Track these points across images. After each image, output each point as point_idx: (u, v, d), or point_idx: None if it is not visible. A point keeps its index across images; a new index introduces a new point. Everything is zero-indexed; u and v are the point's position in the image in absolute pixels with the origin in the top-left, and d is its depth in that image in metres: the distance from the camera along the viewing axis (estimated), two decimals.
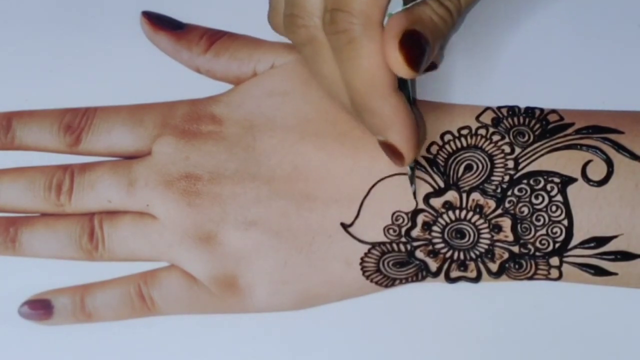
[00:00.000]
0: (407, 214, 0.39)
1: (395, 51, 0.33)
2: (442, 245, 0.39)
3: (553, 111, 0.40)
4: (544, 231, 0.38)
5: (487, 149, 0.39)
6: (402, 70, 0.33)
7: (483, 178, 0.39)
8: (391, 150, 0.36)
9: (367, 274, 0.39)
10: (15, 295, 0.41)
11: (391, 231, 0.39)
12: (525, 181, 0.38)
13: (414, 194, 0.39)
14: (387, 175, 0.39)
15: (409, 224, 0.39)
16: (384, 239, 0.39)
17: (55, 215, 0.42)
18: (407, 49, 0.33)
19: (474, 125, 0.39)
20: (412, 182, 0.39)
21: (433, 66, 0.41)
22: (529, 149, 0.39)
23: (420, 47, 0.33)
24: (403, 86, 0.35)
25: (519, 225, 0.38)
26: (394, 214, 0.39)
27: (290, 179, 0.40)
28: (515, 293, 0.40)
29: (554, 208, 0.38)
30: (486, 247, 0.39)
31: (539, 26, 0.43)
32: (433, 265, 0.39)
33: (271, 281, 0.40)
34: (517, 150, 0.39)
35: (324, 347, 0.41)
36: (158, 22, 0.43)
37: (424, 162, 0.39)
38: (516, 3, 0.43)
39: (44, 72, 0.44)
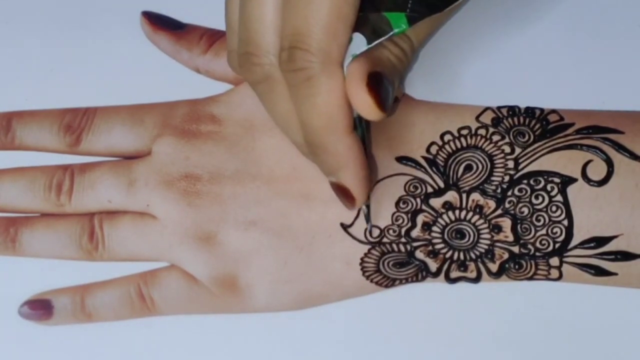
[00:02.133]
0: (407, 214, 0.39)
1: (364, 94, 0.32)
2: (442, 245, 0.39)
3: (553, 111, 0.40)
4: (544, 231, 0.38)
5: (487, 149, 0.39)
6: (372, 112, 0.32)
7: (483, 178, 0.39)
8: (342, 192, 0.36)
9: (367, 274, 0.39)
10: (15, 295, 0.41)
11: (391, 231, 0.39)
12: (525, 181, 0.38)
13: (370, 231, 0.39)
14: (387, 175, 0.39)
15: (409, 224, 0.39)
16: (384, 239, 0.39)
17: (55, 215, 0.42)
18: (375, 91, 0.32)
19: (474, 125, 0.39)
20: (367, 220, 0.39)
21: (396, 100, 0.40)
22: (529, 149, 0.39)
23: (385, 88, 0.33)
24: (357, 127, 0.35)
25: (519, 226, 0.38)
26: (393, 214, 0.39)
27: (290, 179, 0.40)
28: (515, 293, 0.40)
29: (554, 208, 0.38)
30: (486, 247, 0.39)
31: (539, 26, 0.43)
32: (433, 265, 0.39)
33: (271, 281, 0.40)
34: (517, 150, 0.39)
35: (324, 347, 0.41)
36: (158, 22, 0.43)
37: (423, 163, 0.39)
38: (516, 3, 0.43)
39: (44, 72, 0.44)
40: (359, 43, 0.33)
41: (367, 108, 0.32)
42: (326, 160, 0.35)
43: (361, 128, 0.35)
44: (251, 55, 0.34)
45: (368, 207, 0.38)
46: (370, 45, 0.33)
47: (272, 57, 0.34)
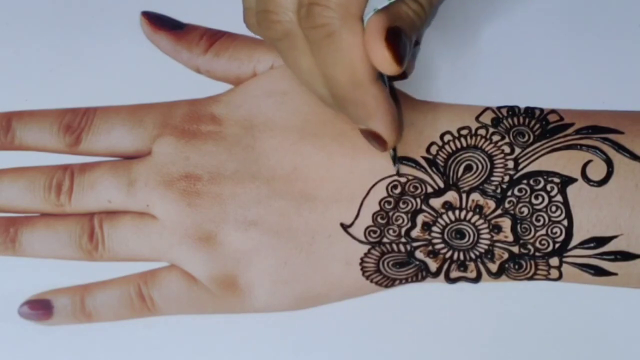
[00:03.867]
0: (407, 214, 0.39)
1: (383, 49, 0.33)
2: (442, 245, 0.39)
3: (553, 111, 0.40)
4: (543, 231, 0.38)
5: (487, 149, 0.39)
6: (390, 66, 0.33)
7: (483, 178, 0.39)
8: (374, 137, 0.36)
9: (366, 274, 0.39)
10: (15, 295, 0.41)
11: (391, 231, 0.39)
12: (525, 181, 0.38)
13: (397, 172, 0.39)
14: (387, 175, 0.39)
15: (409, 224, 0.39)
16: (384, 239, 0.39)
17: (55, 216, 0.42)
18: (394, 46, 0.33)
19: (474, 125, 0.39)
20: (394, 161, 0.39)
21: (404, 76, 0.41)
22: (529, 149, 0.39)
23: (403, 43, 0.33)
24: (380, 75, 0.35)
25: (518, 226, 0.38)
26: (394, 214, 0.39)
27: (290, 179, 0.40)
28: (515, 293, 0.40)
29: (553, 208, 0.38)
30: (486, 247, 0.39)
31: (539, 26, 0.43)
32: (433, 265, 0.39)
33: (271, 281, 0.40)
34: (517, 150, 0.39)
35: (324, 347, 0.41)
36: (158, 22, 0.43)
37: (423, 163, 0.39)
38: (516, 3, 0.43)
39: (44, 72, 0.44)
40: None
41: (384, 62, 0.33)
42: (355, 111, 0.36)
43: (383, 77, 0.36)
44: (270, 12, 0.35)
45: (394, 149, 0.39)
46: (391, 1, 0.33)
47: (291, 13, 0.35)
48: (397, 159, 0.39)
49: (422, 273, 0.39)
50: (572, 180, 0.38)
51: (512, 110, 0.40)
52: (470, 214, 0.39)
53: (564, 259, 0.38)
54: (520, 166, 0.38)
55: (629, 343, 0.40)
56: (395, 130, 0.36)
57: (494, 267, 0.39)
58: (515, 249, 0.38)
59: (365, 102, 0.35)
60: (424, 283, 0.40)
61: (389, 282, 0.40)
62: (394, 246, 0.39)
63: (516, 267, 0.39)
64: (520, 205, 0.38)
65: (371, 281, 0.40)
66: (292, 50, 0.36)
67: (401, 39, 0.33)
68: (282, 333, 0.41)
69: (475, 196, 0.39)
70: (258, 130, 0.40)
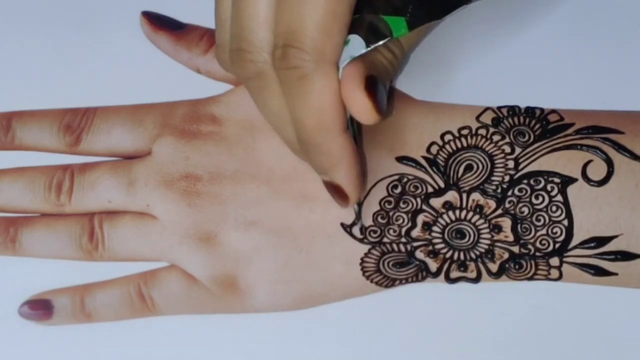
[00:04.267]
0: (407, 214, 0.39)
1: (363, 97, 0.32)
2: (442, 245, 0.39)
3: (553, 111, 0.40)
4: (544, 231, 0.38)
5: (487, 149, 0.39)
6: (370, 115, 0.32)
7: (483, 178, 0.39)
8: (336, 191, 0.36)
9: (367, 274, 0.39)
10: (15, 295, 0.41)
11: (391, 231, 0.39)
12: (525, 181, 0.38)
13: (361, 230, 0.39)
14: (387, 175, 0.39)
15: (409, 224, 0.39)
16: (384, 239, 0.39)
17: (55, 215, 0.42)
18: (372, 95, 0.32)
19: (474, 125, 0.39)
20: (357, 218, 0.39)
21: (388, 114, 0.40)
22: (529, 149, 0.39)
23: (380, 92, 0.33)
24: (349, 126, 0.35)
25: (519, 226, 0.38)
26: (394, 214, 0.39)
27: (290, 179, 0.40)
28: (515, 293, 0.40)
29: (554, 208, 0.38)
30: (486, 247, 0.39)
31: (539, 26, 0.43)
32: (433, 265, 0.39)
33: (271, 281, 0.40)
34: (518, 150, 0.39)
35: (324, 347, 0.41)
36: (158, 22, 0.43)
37: (424, 162, 0.39)
38: (516, 3, 0.43)
39: (44, 72, 0.44)
40: (357, 45, 0.33)
41: (364, 111, 0.32)
42: (319, 159, 0.35)
43: (352, 128, 0.35)
44: (243, 51, 0.34)
45: (359, 205, 0.38)
46: (369, 48, 0.33)
47: (265, 54, 0.34)
48: (360, 212, 0.38)
49: (422, 273, 0.39)
50: (572, 180, 0.38)
51: (513, 110, 0.40)
52: (471, 213, 0.39)
53: (564, 259, 0.38)
54: (521, 166, 0.38)
55: (629, 343, 0.40)
56: (358, 185, 0.36)
57: (494, 267, 0.39)
58: (516, 249, 0.39)
59: (330, 150, 0.34)
60: (424, 283, 0.40)
61: (389, 282, 0.40)
62: (394, 246, 0.39)
63: (516, 267, 0.39)
64: (520, 205, 0.38)
65: (371, 281, 0.40)
66: (262, 90, 0.35)
67: (378, 88, 0.33)
68: (282, 333, 0.41)
69: (476, 196, 0.39)
70: (258, 131, 0.40)
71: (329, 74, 0.32)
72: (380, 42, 0.33)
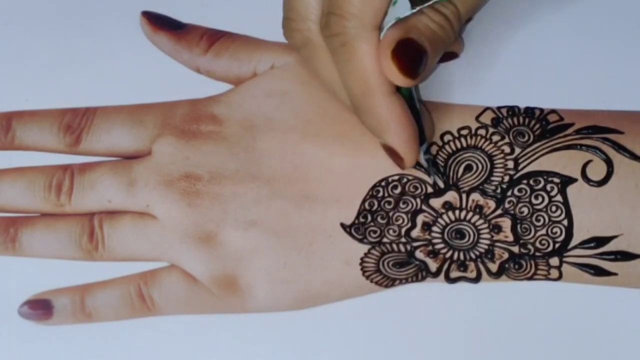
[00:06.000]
0: (407, 214, 0.39)
1: (388, 61, 0.33)
2: (442, 245, 0.39)
3: (553, 111, 0.40)
4: (543, 231, 0.38)
5: (487, 149, 0.39)
6: (398, 78, 0.33)
7: (483, 178, 0.39)
8: (390, 152, 0.37)
9: (367, 274, 0.39)
10: (15, 295, 0.41)
11: (391, 231, 0.39)
12: (525, 181, 0.38)
13: (434, 184, 0.39)
14: (387, 175, 0.39)
15: (409, 225, 0.39)
16: (384, 239, 0.39)
17: (55, 215, 0.42)
18: (401, 58, 0.33)
19: (474, 125, 0.39)
20: (429, 173, 0.39)
21: (454, 55, 0.41)
22: (529, 149, 0.39)
23: (415, 55, 0.33)
24: (405, 89, 0.35)
25: (518, 226, 0.38)
26: (394, 214, 0.39)
27: (291, 179, 0.40)
28: (515, 293, 0.40)
29: (553, 208, 0.38)
30: (486, 247, 0.39)
31: (539, 26, 0.43)
32: (433, 265, 0.39)
33: (271, 281, 0.40)
34: (517, 150, 0.39)
35: (324, 347, 0.41)
36: (158, 22, 0.43)
37: (423, 162, 0.39)
38: (516, 3, 0.43)
39: (44, 72, 0.44)
40: (403, 6, 0.33)
41: (392, 75, 0.33)
42: (370, 122, 0.36)
43: (409, 89, 0.36)
44: (291, 20, 0.36)
45: (428, 161, 0.38)
46: (413, 10, 0.33)
47: (311, 23, 0.35)
48: (432, 169, 0.39)
49: (422, 273, 0.39)
50: (572, 180, 0.38)
51: (512, 110, 0.40)
52: (471, 214, 0.39)
53: (564, 259, 0.38)
54: (520, 166, 0.38)
55: (629, 343, 0.40)
56: (411, 147, 0.36)
57: (494, 267, 0.39)
58: (515, 249, 0.39)
59: (379, 114, 0.35)
60: (424, 283, 0.40)
61: (389, 282, 0.40)
62: (394, 246, 0.39)
63: (516, 267, 0.39)
64: (520, 205, 0.38)
65: (371, 281, 0.40)
66: (313, 58, 0.36)
67: (414, 51, 0.33)
68: (282, 333, 0.41)
69: (476, 196, 0.39)
70: (258, 131, 0.40)
71: (369, 39, 0.34)
72: (425, 4, 0.33)
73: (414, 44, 0.33)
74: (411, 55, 0.33)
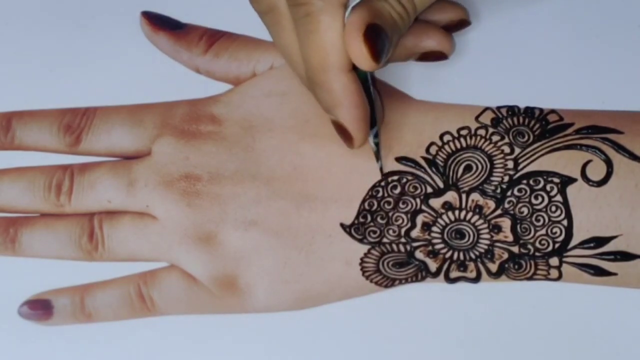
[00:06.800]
0: (406, 214, 0.39)
1: (360, 43, 0.33)
2: (441, 245, 0.39)
3: (553, 111, 0.40)
4: (543, 231, 0.38)
5: (486, 149, 0.39)
6: (366, 62, 0.33)
7: (483, 178, 0.39)
8: (340, 130, 0.37)
9: (366, 274, 0.39)
10: (15, 295, 0.42)
11: (391, 231, 0.39)
12: (524, 181, 0.38)
13: (381, 169, 0.39)
14: (387, 175, 0.39)
15: (409, 225, 0.39)
16: (384, 239, 0.39)
17: (55, 216, 0.42)
18: (371, 42, 0.33)
19: (474, 125, 0.39)
20: (377, 158, 0.39)
21: (443, 56, 0.41)
22: (529, 149, 0.39)
23: (381, 41, 0.33)
24: (360, 70, 0.35)
25: (518, 226, 0.38)
26: (393, 214, 0.39)
27: (290, 179, 0.40)
28: (515, 293, 0.40)
29: (553, 208, 0.38)
30: (486, 247, 0.39)
31: (539, 26, 0.43)
32: (433, 265, 0.39)
33: (271, 281, 0.40)
34: (517, 150, 0.39)
35: (324, 347, 0.41)
36: (158, 22, 0.43)
37: (423, 163, 0.39)
38: (516, 3, 0.43)
39: (44, 72, 0.44)
40: None
41: (361, 57, 0.33)
42: (323, 96, 0.36)
43: (367, 72, 0.36)
44: None
45: (377, 144, 0.38)
46: None
47: None
48: (380, 156, 0.39)
49: (422, 273, 0.39)
50: (571, 180, 0.38)
51: (512, 110, 0.40)
52: (470, 214, 0.39)
53: (564, 259, 0.38)
54: (520, 166, 0.38)
55: (629, 343, 0.40)
56: (362, 126, 0.36)
57: (493, 267, 0.39)
58: (515, 249, 0.38)
59: (333, 89, 0.35)
60: (424, 283, 0.40)
61: (388, 282, 0.40)
62: (394, 246, 0.39)
63: (516, 267, 0.39)
64: (520, 205, 0.38)
65: (371, 281, 0.40)
66: (275, 25, 0.36)
67: (380, 37, 0.33)
68: (282, 333, 0.41)
69: (475, 196, 0.39)
70: (257, 131, 0.40)
71: (334, 14, 0.34)
72: None
73: (380, 30, 0.34)
74: (376, 40, 0.33)
